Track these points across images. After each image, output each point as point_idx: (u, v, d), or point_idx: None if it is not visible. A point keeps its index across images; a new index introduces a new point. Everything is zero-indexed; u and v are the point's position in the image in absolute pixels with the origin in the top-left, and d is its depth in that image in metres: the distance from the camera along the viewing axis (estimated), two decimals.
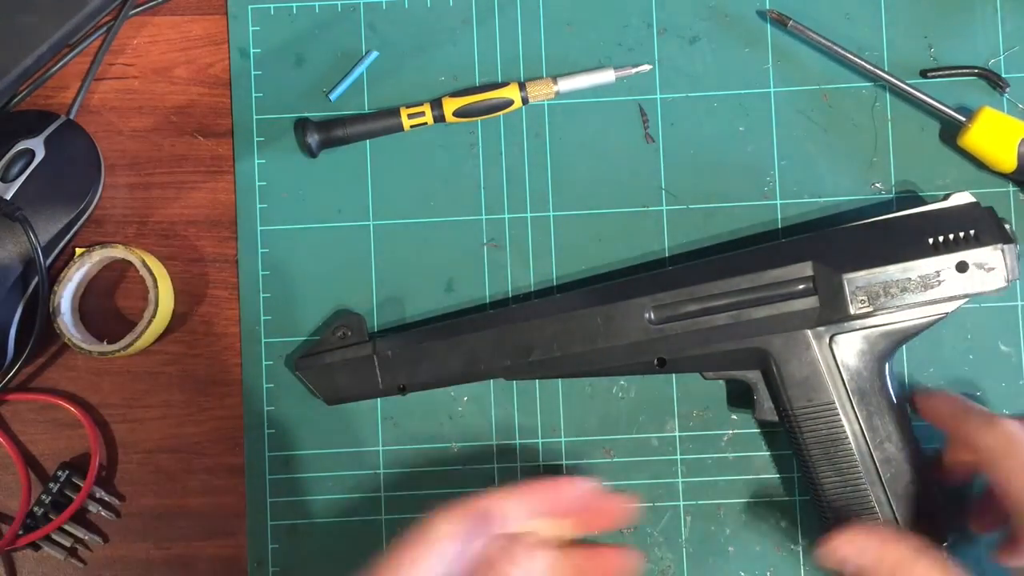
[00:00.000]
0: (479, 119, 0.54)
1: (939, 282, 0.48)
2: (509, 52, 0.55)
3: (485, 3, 0.55)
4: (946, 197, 0.49)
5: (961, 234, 0.48)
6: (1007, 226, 0.48)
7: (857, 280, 0.48)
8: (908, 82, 0.52)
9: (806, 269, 0.49)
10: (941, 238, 0.48)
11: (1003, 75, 0.53)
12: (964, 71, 0.54)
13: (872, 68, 0.52)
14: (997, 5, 0.54)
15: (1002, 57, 0.54)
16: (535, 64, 0.55)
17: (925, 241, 0.48)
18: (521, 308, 0.52)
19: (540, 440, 0.54)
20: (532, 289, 0.54)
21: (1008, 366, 0.53)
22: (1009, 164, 0.51)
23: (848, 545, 0.45)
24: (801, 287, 0.49)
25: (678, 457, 0.53)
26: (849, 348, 0.49)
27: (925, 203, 0.50)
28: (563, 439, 0.54)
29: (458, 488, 0.54)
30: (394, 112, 0.54)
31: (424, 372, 0.51)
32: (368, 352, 0.52)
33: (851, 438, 0.49)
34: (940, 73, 0.54)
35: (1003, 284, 0.48)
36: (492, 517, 0.44)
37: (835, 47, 0.53)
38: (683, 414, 0.53)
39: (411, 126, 0.54)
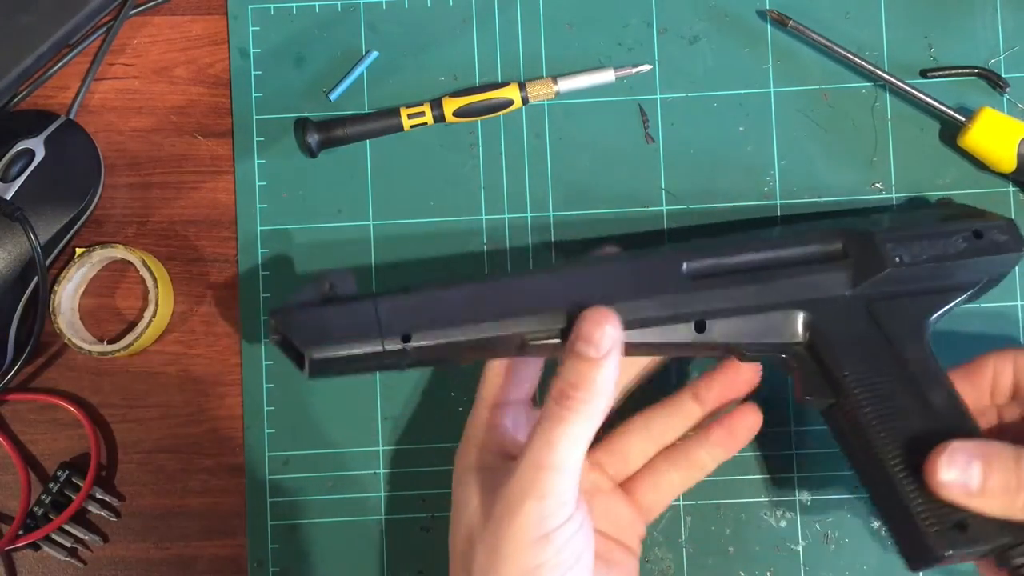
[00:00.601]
0: (479, 119, 0.54)
1: (963, 245, 0.47)
2: (509, 52, 0.55)
3: (485, 3, 0.55)
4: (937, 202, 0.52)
5: (965, 215, 0.49)
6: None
7: (887, 237, 0.47)
8: (908, 82, 0.52)
9: (838, 242, 0.47)
10: (949, 216, 0.49)
11: (1003, 75, 0.53)
12: (964, 71, 0.54)
13: (872, 68, 0.52)
14: (997, 5, 0.54)
15: (1002, 57, 0.54)
16: (535, 64, 0.55)
17: (936, 218, 0.49)
18: (546, 269, 0.48)
19: None
20: None
21: None
22: (1009, 164, 0.51)
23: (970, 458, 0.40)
24: (833, 250, 0.47)
25: None
26: (891, 314, 0.46)
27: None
28: None
29: None
30: (394, 112, 0.54)
31: (437, 317, 0.43)
32: (362, 304, 0.43)
33: (919, 404, 0.44)
34: (940, 73, 0.54)
35: (1019, 249, 0.48)
36: None
37: (835, 47, 0.53)
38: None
39: (411, 126, 0.54)
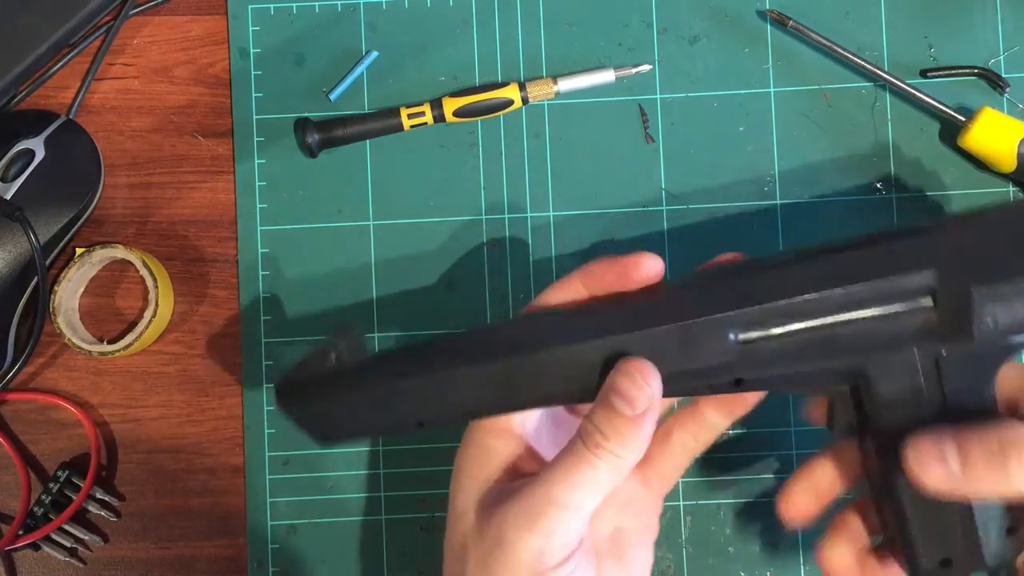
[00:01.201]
0: (479, 119, 0.54)
1: None
2: (509, 52, 0.55)
3: (485, 3, 0.55)
4: None
5: None
6: None
7: (987, 295, 0.38)
8: (908, 82, 0.53)
9: (928, 277, 0.39)
10: None
11: (1003, 75, 0.53)
12: (964, 71, 0.54)
13: (872, 68, 0.52)
14: (997, 5, 0.54)
15: (1002, 57, 0.54)
16: (535, 64, 0.55)
17: None
18: (571, 319, 0.42)
19: None
20: (533, 289, 0.54)
21: None
22: (1009, 164, 0.51)
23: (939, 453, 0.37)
24: (920, 302, 0.39)
25: None
26: (958, 368, 0.39)
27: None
28: None
29: None
30: (394, 112, 0.54)
31: (454, 406, 0.41)
32: (374, 389, 0.41)
33: None
34: (940, 73, 0.54)
35: None
36: None
37: (835, 47, 0.53)
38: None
39: (411, 126, 0.54)
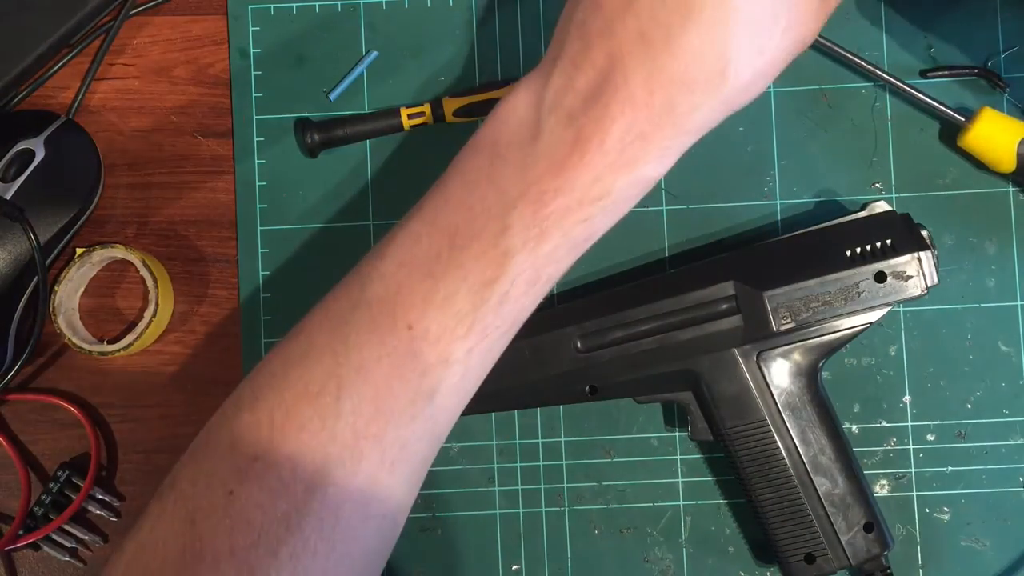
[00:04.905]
0: (479, 119, 0.54)
1: (858, 293, 0.48)
2: (509, 52, 0.55)
3: (485, 3, 0.55)
4: (863, 207, 0.49)
5: (878, 244, 0.48)
6: (924, 233, 0.49)
7: (778, 297, 0.48)
8: (908, 82, 0.53)
9: (728, 288, 0.48)
10: (859, 249, 0.48)
11: (1003, 75, 0.53)
12: (964, 71, 0.54)
13: (872, 68, 0.52)
14: (997, 5, 0.54)
15: (1002, 57, 0.54)
16: (535, 64, 0.54)
17: (843, 253, 0.48)
18: None
19: (540, 440, 0.54)
20: None
21: (1008, 366, 0.53)
22: (1009, 164, 0.51)
23: None
24: (724, 307, 0.49)
25: (678, 457, 0.53)
26: (777, 364, 0.49)
27: (846, 212, 0.50)
28: (563, 439, 0.54)
29: (458, 488, 0.54)
30: (394, 112, 0.54)
31: None
32: None
33: (784, 454, 0.49)
34: (940, 73, 0.54)
35: (921, 292, 0.48)
36: None
37: (835, 47, 0.53)
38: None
39: (411, 126, 0.54)
